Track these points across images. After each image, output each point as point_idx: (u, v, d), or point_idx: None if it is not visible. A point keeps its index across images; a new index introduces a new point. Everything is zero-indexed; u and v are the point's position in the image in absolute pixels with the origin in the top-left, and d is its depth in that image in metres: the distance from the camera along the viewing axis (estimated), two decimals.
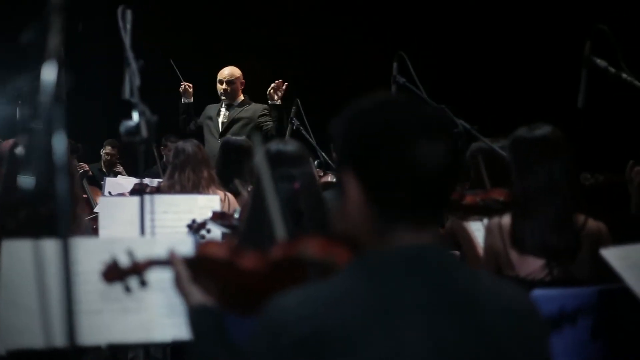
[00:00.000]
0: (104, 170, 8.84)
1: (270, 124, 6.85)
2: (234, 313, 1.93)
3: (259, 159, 2.35)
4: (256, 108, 7.01)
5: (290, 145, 3.03)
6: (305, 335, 1.48)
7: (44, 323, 1.44)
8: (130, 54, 2.94)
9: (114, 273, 2.02)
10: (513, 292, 1.64)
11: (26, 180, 1.17)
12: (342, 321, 1.48)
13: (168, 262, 1.97)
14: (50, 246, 1.68)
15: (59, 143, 1.24)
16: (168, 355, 4.76)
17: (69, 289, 1.20)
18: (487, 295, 1.58)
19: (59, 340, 1.42)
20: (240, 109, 7.02)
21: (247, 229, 2.91)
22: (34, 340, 2.34)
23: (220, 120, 7.03)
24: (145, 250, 2.10)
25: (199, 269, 1.93)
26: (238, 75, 7.07)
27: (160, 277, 2.15)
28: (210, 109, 7.16)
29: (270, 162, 2.85)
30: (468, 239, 3.59)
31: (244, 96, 7.12)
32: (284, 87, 6.83)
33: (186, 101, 7.15)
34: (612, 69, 3.61)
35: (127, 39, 3.01)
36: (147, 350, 3.09)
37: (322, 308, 1.50)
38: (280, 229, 1.95)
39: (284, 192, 2.76)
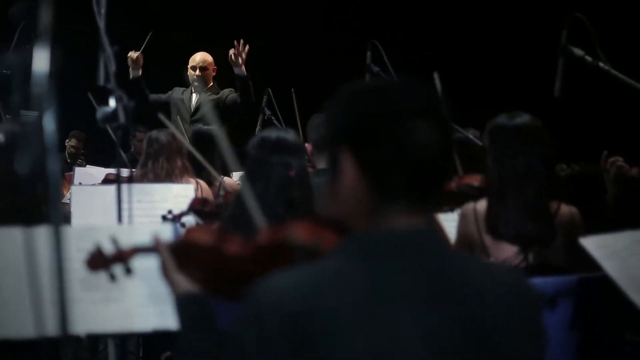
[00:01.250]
0: (68, 161, 8.75)
1: (233, 95, 6.74)
2: (220, 298, 1.90)
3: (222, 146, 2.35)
4: (224, 90, 6.93)
5: (290, 134, 3.07)
6: (291, 317, 1.46)
7: (29, 313, 1.40)
8: (105, 40, 2.88)
9: (98, 261, 1.99)
10: (506, 275, 1.63)
11: (23, 162, 1.13)
12: (330, 303, 1.46)
13: (153, 249, 1.93)
14: (38, 233, 1.64)
15: (49, 123, 1.19)
16: (140, 347, 4.73)
17: (60, 276, 1.16)
18: (480, 279, 1.57)
19: (47, 329, 1.38)
20: (210, 92, 6.93)
21: (233, 213, 2.92)
22: (18, 330, 2.29)
23: (192, 105, 6.91)
24: (125, 238, 2.06)
25: (184, 255, 1.89)
26: (211, 61, 6.97)
27: (142, 266, 2.11)
28: (179, 91, 7.02)
29: (269, 148, 2.88)
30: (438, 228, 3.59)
31: (213, 82, 7.04)
32: (245, 50, 6.61)
33: (135, 75, 6.82)
34: (588, 58, 3.61)
35: (101, 24, 2.95)
36: (124, 343, 3.05)
37: (309, 290, 1.48)
38: (259, 219, 1.93)
39: (279, 178, 2.78)
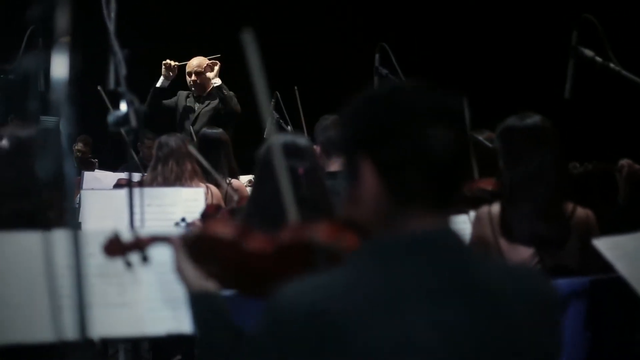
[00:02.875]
0: (76, 166, 8.75)
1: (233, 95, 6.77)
2: (238, 293, 1.91)
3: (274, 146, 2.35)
4: (227, 93, 6.89)
5: (299, 138, 3.08)
6: (310, 321, 1.47)
7: (40, 317, 1.40)
8: (115, 43, 2.88)
9: (115, 247, 2.00)
10: (525, 275, 1.63)
11: (45, 167, 1.12)
12: (349, 307, 1.47)
13: (169, 239, 1.93)
14: (52, 238, 1.63)
15: (65, 127, 1.18)
16: (150, 351, 4.74)
17: (79, 281, 1.15)
18: (499, 280, 1.57)
19: (62, 333, 1.38)
20: (208, 101, 6.93)
21: (249, 214, 2.92)
22: (28, 334, 2.29)
23: (195, 112, 6.92)
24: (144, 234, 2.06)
25: (202, 247, 1.89)
26: (206, 64, 6.95)
27: (155, 270, 2.11)
28: (183, 96, 7.03)
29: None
30: None
31: (219, 80, 7.00)
32: (216, 65, 6.76)
33: (163, 85, 6.90)
34: (599, 59, 3.61)
35: (111, 28, 2.94)
36: (136, 347, 3.04)
37: (328, 293, 1.49)
38: (293, 213, 1.92)
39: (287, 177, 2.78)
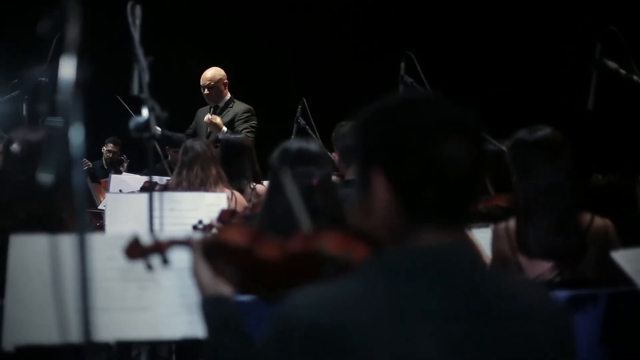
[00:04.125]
0: (105, 167, 8.84)
1: (243, 133, 6.53)
2: (253, 297, 1.94)
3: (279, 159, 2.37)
4: (237, 110, 6.89)
5: (312, 144, 3.07)
6: (316, 332, 1.46)
7: (54, 319, 1.43)
8: (139, 50, 2.92)
9: (136, 250, 2.04)
10: (537, 295, 1.61)
11: (45, 177, 1.15)
12: (354, 318, 1.46)
13: (188, 243, 1.97)
14: (64, 241, 1.67)
15: (76, 136, 1.21)
16: (173, 353, 4.75)
17: (84, 285, 1.18)
18: (509, 297, 1.55)
19: (71, 336, 1.41)
20: (224, 112, 6.92)
21: (262, 222, 2.93)
22: (42, 336, 2.32)
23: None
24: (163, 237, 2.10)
25: (217, 252, 1.92)
26: (219, 77, 6.95)
27: (172, 275, 2.14)
28: (201, 112, 7.06)
29: (291, 159, 2.88)
30: (472, 247, 3.56)
31: (230, 95, 7.02)
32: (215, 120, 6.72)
33: (219, 135, 6.67)
34: (622, 71, 3.61)
35: (136, 35, 2.98)
36: (154, 349, 3.08)
37: (334, 305, 1.49)
38: (305, 222, 1.94)
39: (302, 188, 2.78)
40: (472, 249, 1.62)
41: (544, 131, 3.24)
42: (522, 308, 1.55)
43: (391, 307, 1.48)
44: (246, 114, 6.84)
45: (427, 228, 1.53)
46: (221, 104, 6.96)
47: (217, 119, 6.72)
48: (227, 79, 7.04)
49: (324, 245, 1.76)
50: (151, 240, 2.04)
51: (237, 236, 1.89)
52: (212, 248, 1.93)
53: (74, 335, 1.41)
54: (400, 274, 1.51)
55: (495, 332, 1.50)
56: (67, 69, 1.15)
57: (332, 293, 1.51)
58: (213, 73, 6.96)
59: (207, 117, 6.77)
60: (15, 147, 3.08)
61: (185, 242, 2.01)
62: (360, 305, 1.48)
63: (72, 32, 1.17)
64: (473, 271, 1.55)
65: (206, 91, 6.93)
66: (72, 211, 3.31)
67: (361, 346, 1.45)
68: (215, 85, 6.92)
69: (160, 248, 2.03)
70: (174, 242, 2.03)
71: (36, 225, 2.72)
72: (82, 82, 1.17)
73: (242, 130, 6.66)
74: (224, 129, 6.69)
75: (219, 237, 1.93)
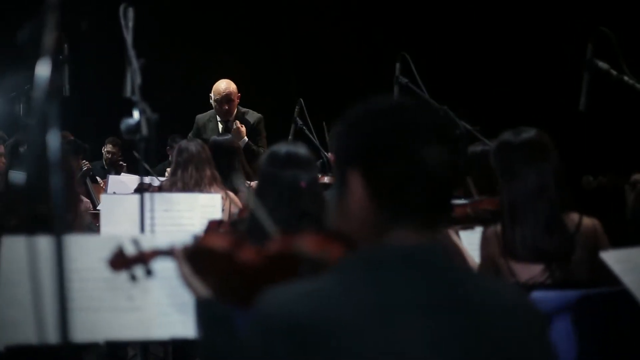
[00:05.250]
0: (105, 168, 8.87)
1: (260, 148, 6.55)
2: (233, 305, 1.95)
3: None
4: (252, 120, 6.78)
5: (300, 148, 3.10)
6: (294, 329, 1.48)
7: (38, 319, 1.45)
8: (131, 52, 2.95)
9: (120, 261, 2.06)
10: (510, 292, 1.64)
11: (17, 176, 1.18)
12: (332, 315, 1.48)
13: (172, 252, 2.00)
14: (46, 243, 1.69)
15: (53, 140, 1.24)
16: (169, 354, 4.77)
17: (62, 286, 1.20)
18: (485, 295, 1.58)
19: (52, 336, 1.43)
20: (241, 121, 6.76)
21: (249, 225, 2.96)
22: (31, 336, 2.35)
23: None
24: (146, 246, 2.12)
25: (199, 259, 1.95)
26: (234, 90, 6.76)
27: (162, 275, 2.16)
28: (201, 119, 6.86)
29: (279, 163, 2.91)
30: (458, 252, 3.56)
31: (238, 107, 6.85)
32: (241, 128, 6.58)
33: (243, 143, 6.54)
34: (614, 72, 3.61)
35: (128, 37, 3.01)
36: (146, 348, 3.10)
37: (312, 302, 1.50)
38: (271, 228, 1.97)
39: (290, 191, 2.81)
40: (449, 251, 1.64)
41: (529, 133, 3.22)
42: (501, 304, 1.57)
43: (371, 301, 1.49)
44: (261, 124, 6.74)
45: (403, 229, 1.55)
46: (231, 118, 6.76)
47: (244, 128, 6.58)
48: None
49: (301, 246, 1.78)
50: (135, 251, 2.05)
51: (217, 243, 1.92)
52: (194, 255, 1.95)
53: (56, 337, 1.43)
54: (379, 267, 1.53)
55: (476, 325, 1.52)
56: (42, 72, 1.17)
57: (309, 290, 1.53)
58: (228, 87, 6.71)
59: (237, 124, 6.55)
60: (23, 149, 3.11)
61: (168, 252, 2.03)
62: (341, 302, 1.49)
63: (49, 38, 1.19)
64: (449, 271, 1.57)
65: (225, 106, 6.68)
66: (76, 213, 3.34)
67: (343, 341, 1.46)
68: (233, 100, 6.71)
69: (144, 259, 2.05)
70: (158, 253, 2.05)
71: (39, 226, 2.74)
72: (59, 87, 1.19)
73: (257, 141, 6.61)
74: (245, 138, 6.58)
75: (200, 245, 1.95)
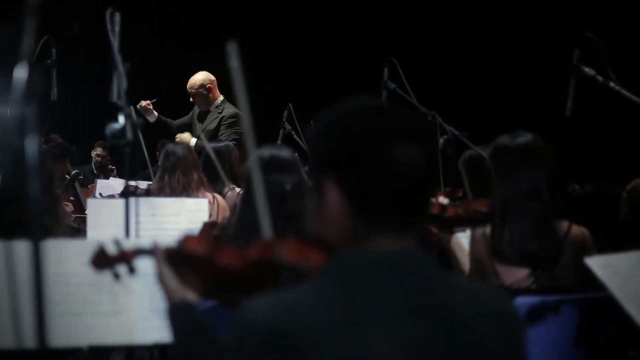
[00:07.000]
0: (95, 172, 8.84)
1: (225, 138, 6.66)
2: (220, 304, 1.96)
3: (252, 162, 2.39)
4: (225, 114, 6.90)
5: (284, 151, 3.10)
6: (272, 337, 1.48)
7: (16, 325, 1.45)
8: (117, 57, 2.95)
9: (102, 260, 2.06)
10: (490, 297, 1.63)
11: None
12: (308, 322, 1.48)
13: (153, 251, 2.00)
14: (24, 247, 1.69)
15: (31, 145, 1.24)
16: (156, 358, 4.76)
17: (39, 291, 1.20)
18: (462, 299, 1.57)
19: (30, 342, 1.43)
20: (212, 118, 6.94)
21: (236, 230, 2.97)
22: (9, 341, 2.33)
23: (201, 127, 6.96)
24: (129, 246, 2.12)
25: (180, 261, 1.96)
26: (199, 83, 6.94)
27: (144, 281, 2.16)
28: (197, 109, 7.11)
29: (263, 167, 2.92)
30: (460, 254, 3.55)
31: (222, 97, 7.02)
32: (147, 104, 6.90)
33: (153, 119, 7.02)
34: (599, 78, 3.62)
35: (115, 42, 3.01)
36: (131, 353, 3.10)
37: (289, 310, 1.50)
38: (267, 230, 1.97)
39: (274, 194, 2.81)
40: (433, 255, 1.64)
41: (525, 137, 3.26)
42: (478, 309, 1.57)
43: (346, 309, 1.49)
44: (231, 119, 6.82)
45: (381, 232, 1.55)
46: (212, 108, 6.97)
47: (150, 105, 6.91)
48: (212, 83, 6.99)
49: (280, 253, 1.78)
50: (117, 250, 2.06)
51: (198, 245, 1.92)
52: (175, 256, 1.96)
53: (50, 340, 1.43)
54: (355, 275, 1.53)
55: (451, 331, 1.52)
56: (20, 76, 1.17)
57: (289, 299, 1.53)
58: (192, 81, 6.99)
59: (141, 103, 6.90)
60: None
61: (149, 251, 2.03)
62: (316, 308, 1.49)
63: (27, 43, 1.19)
64: (428, 273, 1.57)
65: (191, 99, 6.97)
66: (56, 217, 3.33)
67: (319, 350, 1.46)
68: (197, 93, 6.95)
69: (126, 257, 2.05)
70: (139, 252, 2.05)
71: (21, 230, 2.74)
72: (36, 92, 1.19)
73: (223, 135, 6.70)
74: (155, 113, 6.94)
75: (180, 246, 1.96)
